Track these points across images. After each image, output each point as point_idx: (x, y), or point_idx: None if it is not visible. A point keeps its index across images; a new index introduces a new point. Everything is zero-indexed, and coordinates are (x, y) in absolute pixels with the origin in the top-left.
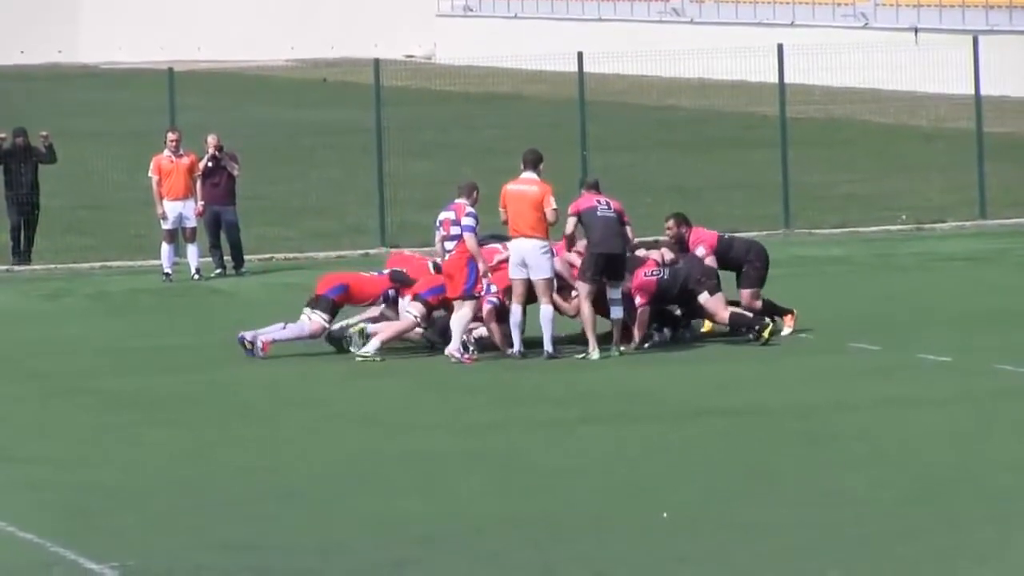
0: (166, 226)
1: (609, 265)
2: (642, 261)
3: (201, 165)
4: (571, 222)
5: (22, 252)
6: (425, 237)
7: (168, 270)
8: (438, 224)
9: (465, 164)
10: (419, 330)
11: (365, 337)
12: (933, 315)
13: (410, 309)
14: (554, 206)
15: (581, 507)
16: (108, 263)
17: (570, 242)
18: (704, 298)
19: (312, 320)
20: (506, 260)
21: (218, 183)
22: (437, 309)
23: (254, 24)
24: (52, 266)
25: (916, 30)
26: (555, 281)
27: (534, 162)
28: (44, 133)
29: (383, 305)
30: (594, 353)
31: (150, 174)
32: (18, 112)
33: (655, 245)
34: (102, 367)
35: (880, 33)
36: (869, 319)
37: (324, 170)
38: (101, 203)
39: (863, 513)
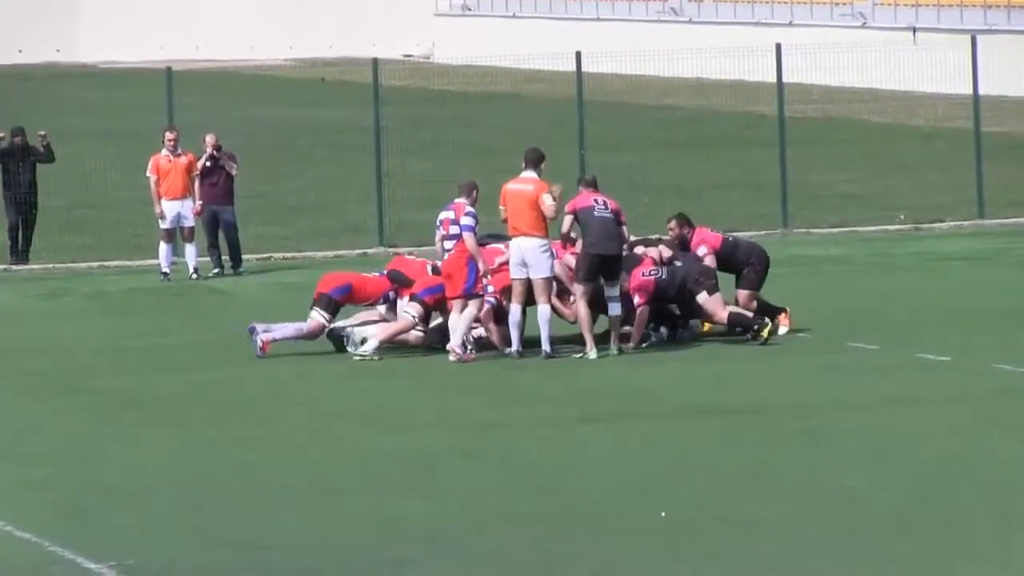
0: (164, 225)
1: (604, 265)
2: (640, 260)
3: (199, 164)
4: (568, 220)
5: (20, 251)
6: (423, 236)
7: (166, 269)
8: (438, 223)
9: (463, 163)
10: (418, 333)
11: (363, 343)
12: (932, 314)
13: (408, 309)
14: (550, 202)
15: (580, 506)
16: (106, 262)
17: (565, 239)
18: (703, 298)
19: (311, 318)
20: (507, 263)
21: (216, 182)
22: (434, 309)
23: (253, 23)
24: (50, 265)
25: (914, 29)
26: (554, 284)
27: (535, 161)
28: (42, 132)
29: (384, 307)
30: (591, 353)
31: (148, 173)
32: (16, 111)
33: (654, 243)
34: (100, 366)
35: (878, 33)
36: (868, 318)
37: (322, 169)
38: (99, 202)
39: (862, 512)
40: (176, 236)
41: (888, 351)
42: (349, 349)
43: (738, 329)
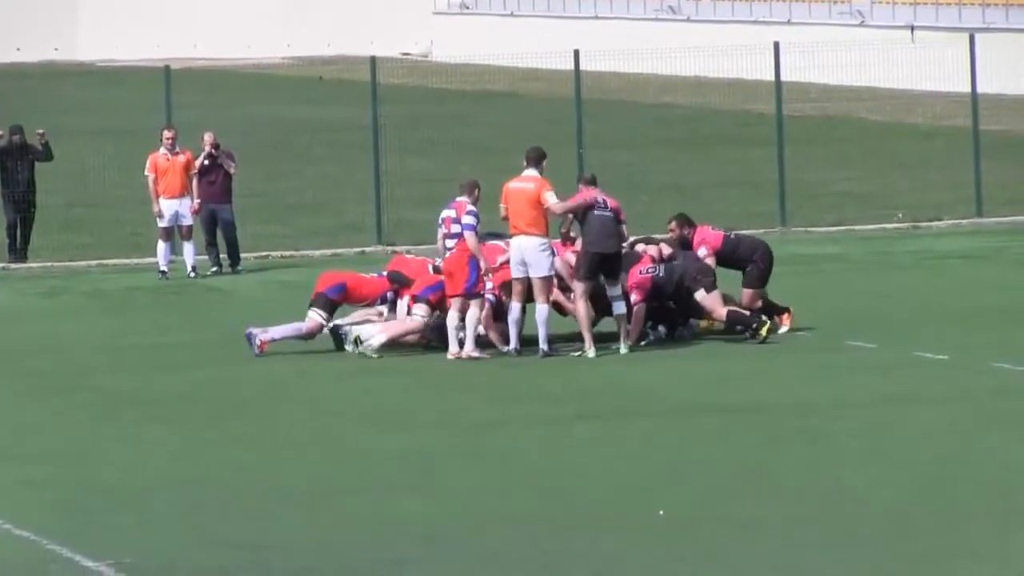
0: (162, 224)
1: (604, 264)
2: (638, 258)
3: (197, 163)
4: (562, 206)
5: (18, 250)
6: (421, 235)
7: (164, 268)
8: (440, 222)
9: (462, 162)
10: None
11: (361, 343)
12: (930, 313)
13: (416, 311)
14: (553, 200)
15: (579, 505)
16: (104, 261)
17: (565, 237)
18: (701, 295)
19: (309, 318)
20: (507, 262)
21: (214, 181)
22: (439, 307)
23: (251, 22)
24: (49, 264)
25: (912, 28)
26: (555, 280)
27: (537, 159)
28: (40, 131)
29: (383, 307)
30: (590, 351)
31: (146, 172)
32: (14, 110)
33: (655, 242)
34: (99, 365)
35: (876, 31)
36: (866, 317)
37: (320, 168)
38: (97, 201)
39: (862, 511)
40: (174, 235)
41: (887, 350)
42: (348, 348)
43: (738, 327)
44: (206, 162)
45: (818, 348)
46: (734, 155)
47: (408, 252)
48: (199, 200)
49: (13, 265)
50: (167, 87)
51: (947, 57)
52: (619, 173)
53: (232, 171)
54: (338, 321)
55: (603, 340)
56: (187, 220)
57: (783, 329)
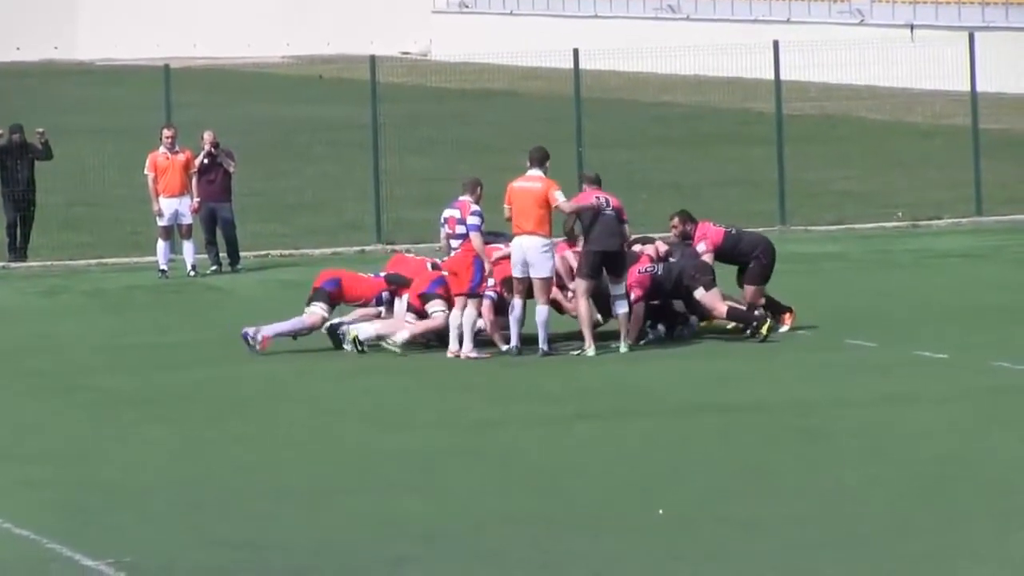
0: (162, 223)
1: (607, 262)
2: (636, 257)
3: (197, 162)
4: (571, 206)
5: (18, 249)
6: (421, 233)
7: (164, 267)
8: (443, 221)
9: (461, 161)
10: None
11: (359, 344)
12: (930, 312)
13: (433, 308)
14: (561, 198)
15: (579, 504)
16: (104, 260)
17: (569, 235)
18: (700, 293)
19: (311, 312)
20: (505, 257)
21: (214, 180)
22: (450, 300)
23: (250, 21)
24: (48, 263)
25: (912, 26)
26: (554, 279)
27: (540, 159)
28: (40, 130)
29: (381, 308)
30: (590, 350)
31: (146, 171)
32: (14, 109)
33: (652, 241)
34: (99, 364)
35: (876, 30)
36: (866, 316)
37: (320, 167)
38: (97, 200)
39: (861, 511)
40: (174, 233)
41: (886, 348)
42: (346, 347)
43: (740, 325)
44: (206, 161)
45: (818, 347)
46: (734, 154)
47: (408, 251)
48: (199, 199)
49: (13, 264)
50: (167, 86)
51: (947, 56)
52: (619, 172)
53: (232, 170)
54: (335, 320)
55: (603, 339)
56: (187, 219)
57: (784, 328)
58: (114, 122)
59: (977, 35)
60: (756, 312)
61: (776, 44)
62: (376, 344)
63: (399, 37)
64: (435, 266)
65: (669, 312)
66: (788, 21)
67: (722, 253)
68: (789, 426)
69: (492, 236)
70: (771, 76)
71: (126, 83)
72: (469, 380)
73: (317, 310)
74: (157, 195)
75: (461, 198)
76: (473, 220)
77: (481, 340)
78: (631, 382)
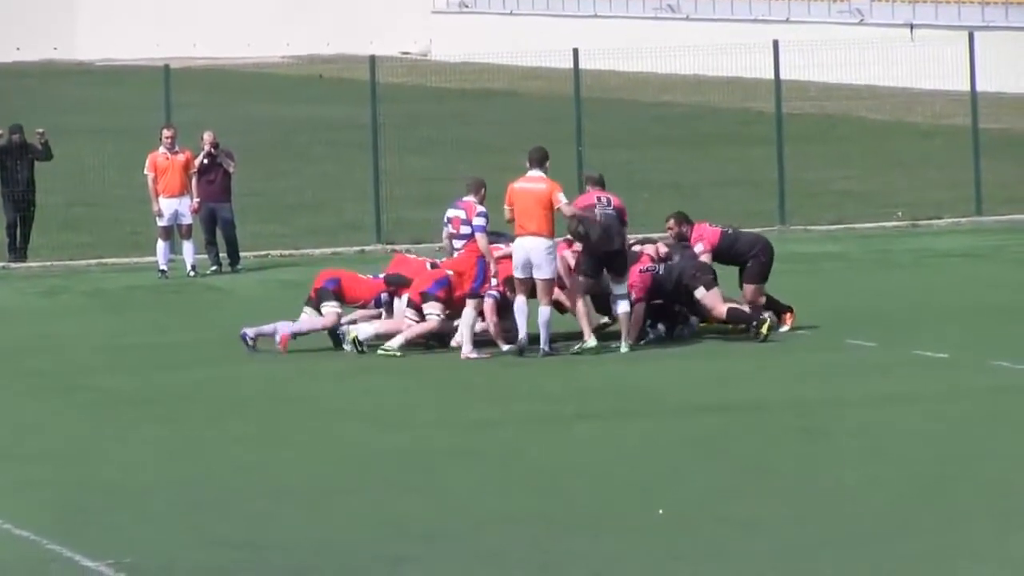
0: (162, 223)
1: (607, 259)
2: (636, 257)
3: (197, 162)
4: (572, 210)
5: (18, 249)
6: (420, 233)
7: (164, 267)
8: (446, 220)
9: (461, 161)
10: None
11: (358, 344)
12: (929, 311)
13: (429, 310)
14: (564, 200)
15: (578, 504)
16: (104, 260)
17: (575, 231)
18: (700, 293)
19: (326, 312)
20: (506, 256)
21: (214, 180)
22: (449, 303)
23: (250, 21)
24: (48, 263)
25: (912, 26)
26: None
27: (540, 160)
28: (40, 130)
29: (381, 310)
30: (590, 340)
31: (146, 171)
32: (14, 109)
33: (650, 241)
34: (98, 364)
35: (876, 29)
36: (865, 315)
37: (320, 167)
38: (97, 200)
39: (861, 510)
40: (174, 234)
41: (886, 348)
42: (346, 348)
43: (741, 324)
44: (205, 161)
45: (817, 347)
46: (733, 154)
47: (408, 251)
48: (198, 199)
49: (13, 264)
50: (166, 86)
51: (946, 55)
52: (619, 172)
53: (231, 170)
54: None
55: (603, 340)
56: (187, 219)
57: (784, 328)
58: (114, 122)
59: (977, 35)
60: (758, 313)
61: (776, 44)
62: (376, 344)
63: (399, 37)
64: (434, 266)
65: (669, 312)
66: (788, 21)
67: (719, 253)
68: (789, 426)
69: (494, 236)
70: (771, 76)
71: (126, 83)
72: (469, 380)
73: (332, 309)
74: (157, 195)
75: (465, 198)
76: (479, 221)
77: (481, 340)
78: (631, 382)
